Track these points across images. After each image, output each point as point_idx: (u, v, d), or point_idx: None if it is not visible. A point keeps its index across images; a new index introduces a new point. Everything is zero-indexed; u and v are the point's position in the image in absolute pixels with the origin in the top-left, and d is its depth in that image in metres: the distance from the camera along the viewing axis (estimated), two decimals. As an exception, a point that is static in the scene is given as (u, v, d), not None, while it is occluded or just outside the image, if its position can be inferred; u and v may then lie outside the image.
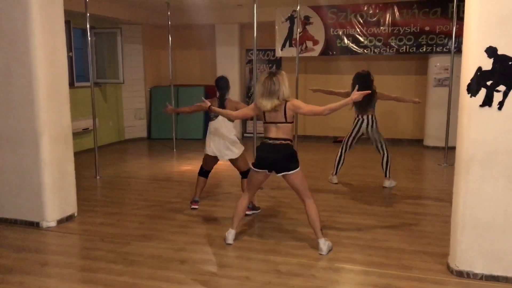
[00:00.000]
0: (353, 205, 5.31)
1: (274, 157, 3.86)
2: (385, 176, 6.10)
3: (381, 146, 6.05)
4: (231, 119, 4.78)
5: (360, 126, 6.02)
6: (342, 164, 6.28)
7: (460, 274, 3.43)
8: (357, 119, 6.03)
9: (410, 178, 6.64)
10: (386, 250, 3.96)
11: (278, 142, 3.87)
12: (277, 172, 3.90)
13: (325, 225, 4.59)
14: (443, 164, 7.45)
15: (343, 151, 6.23)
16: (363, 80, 5.71)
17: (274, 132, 3.89)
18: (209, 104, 4.34)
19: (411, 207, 5.22)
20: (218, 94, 5.00)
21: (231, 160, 5.02)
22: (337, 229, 4.49)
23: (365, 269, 3.59)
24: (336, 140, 9.61)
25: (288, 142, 3.88)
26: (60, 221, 4.70)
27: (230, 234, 4.11)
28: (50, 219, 4.63)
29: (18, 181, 4.61)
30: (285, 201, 5.45)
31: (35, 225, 4.62)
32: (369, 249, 4.00)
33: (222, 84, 5.02)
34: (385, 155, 6.05)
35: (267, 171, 3.95)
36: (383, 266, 3.63)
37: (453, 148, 8.09)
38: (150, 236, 4.37)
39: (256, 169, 3.96)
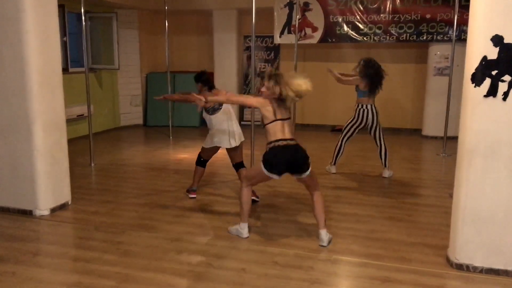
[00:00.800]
0: (351, 195, 5.25)
1: (295, 159, 3.67)
2: (385, 166, 6.02)
3: (381, 138, 5.94)
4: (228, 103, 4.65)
5: (366, 117, 5.81)
6: (341, 155, 6.18)
7: (459, 267, 3.38)
8: (361, 109, 5.85)
9: (408, 168, 6.57)
10: (385, 242, 3.90)
11: (293, 142, 3.72)
12: (296, 173, 3.73)
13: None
14: (441, 154, 7.39)
15: (344, 141, 6.09)
16: (375, 70, 5.74)
17: (287, 131, 3.73)
18: (203, 98, 4.05)
19: (410, 198, 5.16)
20: (202, 88, 4.88)
21: (229, 149, 4.92)
22: (335, 220, 4.43)
23: (363, 261, 3.53)
24: (335, 129, 9.53)
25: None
26: (53, 210, 4.62)
27: (246, 229, 3.98)
28: (43, 208, 4.55)
29: (10, 169, 4.52)
30: (281, 190, 5.37)
31: (28, 213, 4.54)
32: (368, 240, 3.94)
33: (206, 77, 4.91)
34: (384, 147, 5.96)
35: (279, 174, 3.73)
36: (381, 258, 3.58)
37: (452, 138, 8.16)
38: (145, 225, 4.30)
39: (271, 174, 3.70)
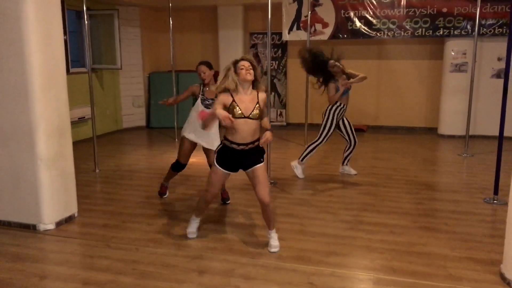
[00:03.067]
0: (379, 202, 4.88)
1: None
2: (345, 163, 5.90)
3: (353, 133, 5.70)
4: None
5: (343, 114, 5.63)
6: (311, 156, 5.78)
7: (519, 286, 3.03)
8: (341, 107, 5.56)
9: (432, 170, 6.23)
10: (428, 257, 3.54)
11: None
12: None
13: (352, 226, 4.19)
14: (463, 155, 7.04)
15: (323, 142, 5.65)
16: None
17: None
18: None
19: (442, 204, 4.80)
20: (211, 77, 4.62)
21: (207, 151, 4.72)
22: (367, 232, 4.06)
23: (409, 281, 3.17)
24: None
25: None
26: (59, 223, 4.24)
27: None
28: (48, 221, 4.17)
29: (11, 180, 4.13)
30: (301, 197, 5.01)
31: (31, 228, 4.16)
32: (408, 255, 3.58)
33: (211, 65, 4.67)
34: (355, 143, 5.73)
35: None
36: (429, 277, 3.22)
37: (474, 137, 7.84)
38: (160, 240, 3.93)
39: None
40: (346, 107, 5.59)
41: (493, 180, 4.84)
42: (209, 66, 4.63)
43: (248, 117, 3.42)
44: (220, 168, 3.57)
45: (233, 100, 3.42)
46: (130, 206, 4.82)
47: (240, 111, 3.40)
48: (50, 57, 4.05)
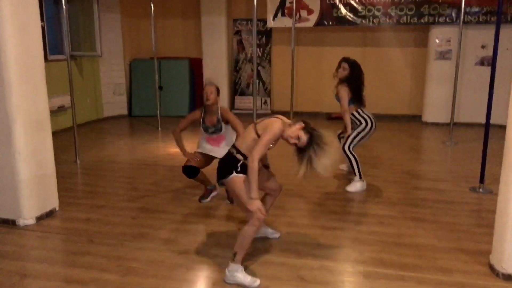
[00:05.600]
0: (366, 192, 4.86)
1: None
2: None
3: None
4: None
5: (373, 128, 4.87)
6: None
7: (508, 277, 3.03)
8: (369, 120, 4.86)
9: (417, 159, 6.23)
10: (417, 248, 3.52)
11: None
12: None
13: (340, 217, 4.16)
14: (447, 143, 7.07)
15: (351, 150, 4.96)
16: (358, 71, 4.80)
17: None
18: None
19: (429, 194, 4.80)
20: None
21: None
22: (356, 223, 4.04)
23: (399, 274, 3.14)
24: (331, 117, 9.13)
25: None
26: (39, 218, 4.10)
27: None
28: (28, 216, 4.02)
29: (-12, 174, 3.96)
30: (289, 187, 4.96)
31: (10, 223, 4.01)
32: (398, 247, 3.56)
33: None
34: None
35: None
36: (418, 269, 3.20)
37: (457, 124, 7.87)
38: (145, 234, 3.82)
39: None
40: None
41: (479, 169, 4.86)
42: (218, 90, 4.32)
43: None
44: (241, 175, 3.11)
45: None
46: (113, 199, 4.69)
47: None
48: (27, 47, 3.86)
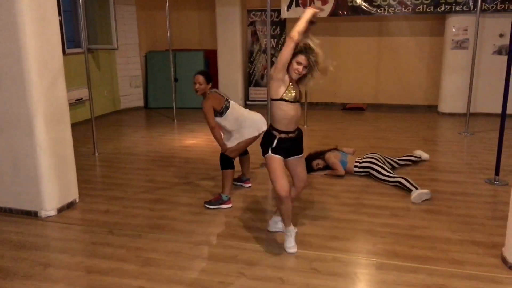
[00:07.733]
0: (380, 184, 4.88)
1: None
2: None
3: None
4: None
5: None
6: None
7: (521, 270, 3.05)
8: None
9: (432, 150, 6.19)
10: (430, 240, 3.55)
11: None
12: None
13: (354, 210, 4.19)
14: (463, 133, 7.02)
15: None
16: None
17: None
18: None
19: (443, 186, 4.80)
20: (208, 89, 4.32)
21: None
22: (369, 215, 4.07)
23: (411, 265, 3.18)
24: (346, 107, 9.12)
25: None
26: (60, 210, 4.23)
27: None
28: (49, 208, 4.16)
29: (12, 167, 4.09)
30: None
31: (32, 214, 4.15)
32: (410, 239, 3.59)
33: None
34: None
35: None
36: (431, 261, 3.23)
37: (474, 115, 7.79)
38: (163, 226, 3.93)
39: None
40: None
41: (494, 160, 4.84)
42: (207, 78, 4.28)
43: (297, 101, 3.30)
44: (277, 155, 3.30)
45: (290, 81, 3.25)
46: (130, 191, 4.81)
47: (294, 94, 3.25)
48: (46, 41, 3.96)
